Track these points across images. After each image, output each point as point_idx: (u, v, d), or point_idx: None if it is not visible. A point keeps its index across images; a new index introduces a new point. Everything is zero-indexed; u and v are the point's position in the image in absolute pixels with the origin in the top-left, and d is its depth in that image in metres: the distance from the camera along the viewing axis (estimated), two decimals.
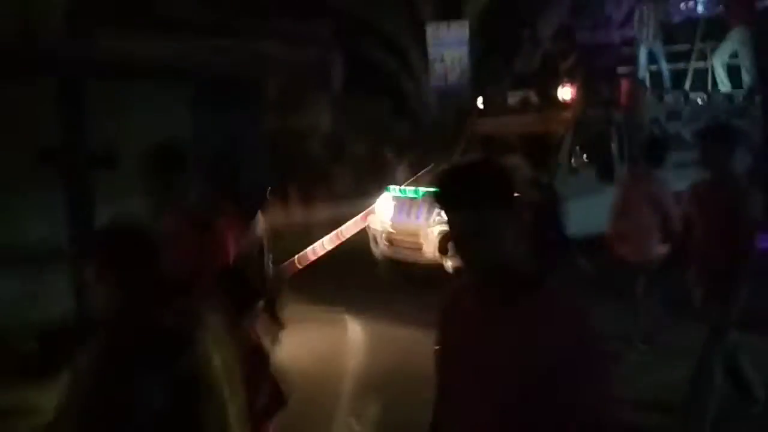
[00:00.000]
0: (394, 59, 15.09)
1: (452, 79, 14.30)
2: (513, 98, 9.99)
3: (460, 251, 1.88)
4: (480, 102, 10.29)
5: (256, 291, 3.81)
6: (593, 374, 1.79)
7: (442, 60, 14.67)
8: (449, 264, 8.01)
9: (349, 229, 9.02)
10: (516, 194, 1.86)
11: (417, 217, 8.66)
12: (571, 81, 9.20)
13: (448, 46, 14.58)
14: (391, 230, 8.96)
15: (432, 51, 14.37)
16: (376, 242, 9.18)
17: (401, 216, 8.87)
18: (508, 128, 9.69)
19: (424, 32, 14.13)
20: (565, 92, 9.12)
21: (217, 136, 5.22)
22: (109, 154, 4.65)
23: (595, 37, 11.69)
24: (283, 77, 14.15)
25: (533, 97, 9.67)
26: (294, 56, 14.43)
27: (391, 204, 9.09)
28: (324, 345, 6.97)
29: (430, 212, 8.49)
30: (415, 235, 8.62)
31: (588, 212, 8.34)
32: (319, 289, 8.34)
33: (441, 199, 1.91)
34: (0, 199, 4.24)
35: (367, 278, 9.19)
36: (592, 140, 9.22)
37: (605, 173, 9.01)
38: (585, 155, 8.95)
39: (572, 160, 8.85)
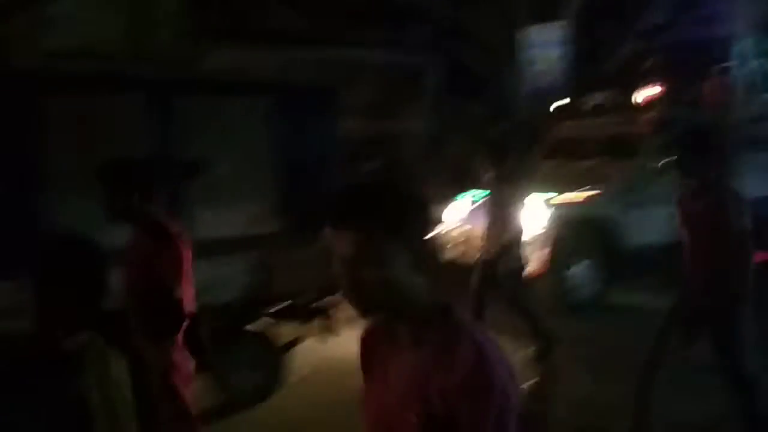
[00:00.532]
0: (490, 62, 15.23)
1: (548, 80, 14.32)
2: (596, 100, 9.92)
3: (343, 282, 1.73)
4: (562, 104, 10.34)
5: (179, 316, 3.67)
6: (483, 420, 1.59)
7: (538, 62, 14.70)
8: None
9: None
10: (414, 220, 1.69)
11: (492, 222, 8.69)
12: (655, 80, 9.10)
13: (545, 48, 14.57)
14: (460, 234, 8.99)
15: (528, 53, 14.43)
16: (447, 246, 9.15)
17: (469, 220, 8.90)
18: (589, 131, 9.60)
19: (520, 34, 14.22)
20: (647, 92, 9.06)
21: (295, 145, 5.62)
22: (196, 163, 5.13)
23: (682, 34, 11.46)
24: (379, 83, 14.62)
25: (616, 98, 9.60)
26: (390, 61, 14.88)
27: (461, 208, 9.22)
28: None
29: (505, 218, 8.54)
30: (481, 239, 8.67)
31: (673, 219, 8.44)
32: None
33: (327, 220, 1.73)
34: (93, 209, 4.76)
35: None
36: (678, 142, 9.04)
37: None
38: (669, 158, 8.73)
39: (657, 163, 8.69)
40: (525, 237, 7.79)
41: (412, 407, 1.65)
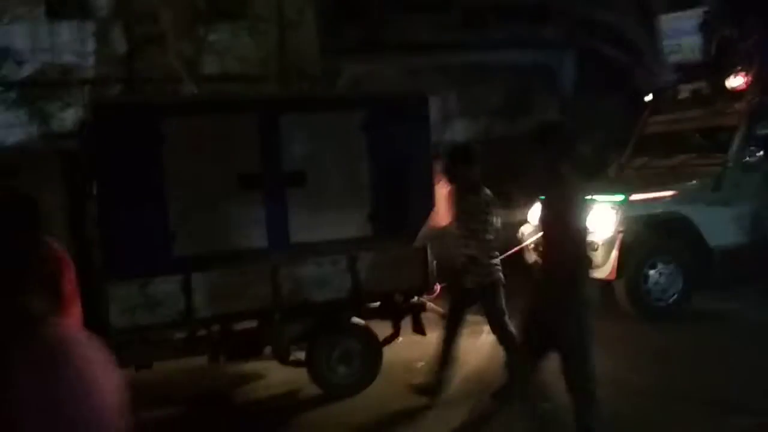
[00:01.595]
0: (627, 54, 14.92)
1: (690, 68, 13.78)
2: (685, 92, 9.09)
3: None
4: (651, 97, 9.58)
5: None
6: None
7: (678, 50, 14.19)
8: (595, 274, 7.25)
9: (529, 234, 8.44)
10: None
11: None
12: (746, 68, 8.22)
13: (684, 35, 14.05)
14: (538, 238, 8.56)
15: (666, 42, 14.00)
16: (528, 249, 8.59)
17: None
18: (678, 125, 8.93)
19: (657, 23, 13.85)
20: (737, 81, 8.24)
21: (389, 153, 6.04)
22: (300, 173, 5.74)
23: None
24: (512, 82, 14.80)
25: (705, 89, 8.76)
26: (522, 60, 15.01)
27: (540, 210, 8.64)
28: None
29: None
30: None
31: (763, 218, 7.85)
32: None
33: None
34: (210, 217, 5.48)
35: (515, 286, 8.85)
36: None
37: None
38: (762, 151, 7.99)
39: (746, 157, 7.98)
40: (595, 239, 7.46)
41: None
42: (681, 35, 14.03)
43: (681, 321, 7.51)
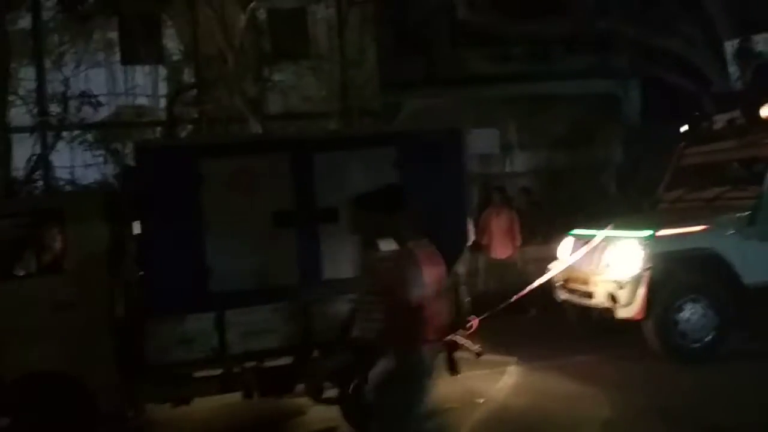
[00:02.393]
0: (693, 81, 14.56)
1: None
2: (721, 122, 8.62)
3: None
4: (686, 128, 9.14)
5: None
6: None
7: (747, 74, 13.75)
8: (621, 313, 7.38)
9: (557, 267, 8.32)
10: None
11: (590, 262, 7.87)
12: None
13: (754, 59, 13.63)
14: (567, 273, 8.22)
15: (733, 68, 13.62)
16: (557, 285, 8.46)
17: (575, 259, 8.06)
18: (714, 156, 8.55)
19: (722, 50, 13.52)
20: None
21: (425, 188, 6.07)
22: (332, 210, 5.86)
23: None
24: (575, 112, 14.65)
25: (740, 119, 8.26)
26: (586, 90, 14.86)
27: (571, 245, 8.39)
28: (478, 393, 6.70)
29: (601, 257, 7.75)
30: (586, 281, 7.87)
31: None
32: (497, 331, 7.37)
33: None
34: (245, 254, 5.66)
35: (547, 324, 8.78)
36: None
37: None
38: None
39: None
40: (621, 276, 7.37)
41: None
42: (751, 59, 13.65)
43: (714, 363, 7.18)
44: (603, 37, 14.30)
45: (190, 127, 14.70)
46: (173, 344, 5.33)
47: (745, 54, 12.25)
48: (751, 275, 7.41)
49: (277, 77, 14.56)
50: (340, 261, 5.83)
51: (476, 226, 11.27)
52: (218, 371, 5.70)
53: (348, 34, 15.11)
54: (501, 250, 10.91)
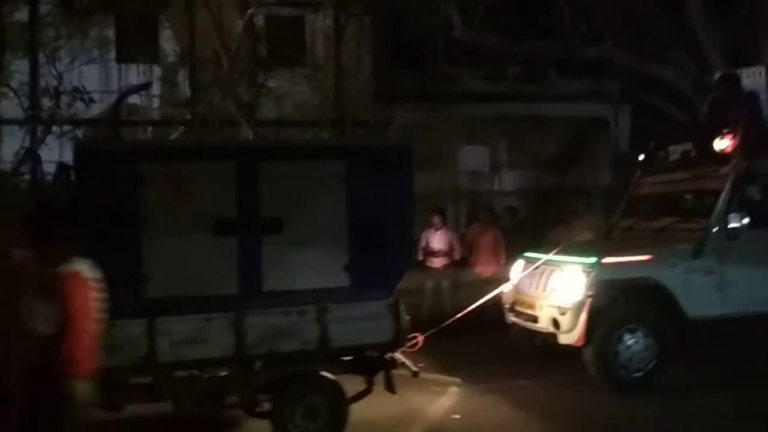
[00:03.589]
0: (683, 110, 14.51)
1: None
2: (676, 153, 8.59)
3: None
4: (643, 157, 9.11)
5: None
6: None
7: None
8: (563, 339, 7.36)
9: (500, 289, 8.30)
10: None
11: (536, 286, 7.91)
12: (732, 130, 7.68)
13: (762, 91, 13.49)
14: (515, 296, 8.26)
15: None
16: (506, 308, 8.46)
17: (525, 282, 8.11)
18: (667, 187, 8.55)
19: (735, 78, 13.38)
20: (723, 143, 7.69)
21: (370, 204, 6.05)
22: (275, 221, 5.84)
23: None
24: (565, 134, 14.66)
25: (694, 151, 8.29)
26: (577, 113, 14.88)
27: (520, 268, 8.37)
28: (412, 412, 6.66)
29: (547, 281, 7.74)
30: (532, 305, 7.89)
31: (754, 285, 7.36)
32: (444, 352, 7.83)
33: None
34: (184, 260, 5.64)
35: (496, 346, 8.69)
36: (763, 197, 7.80)
37: None
38: (748, 217, 7.46)
39: (731, 224, 7.47)
40: (564, 302, 7.36)
41: None
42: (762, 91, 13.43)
43: (650, 394, 7.12)
44: (596, 62, 14.33)
45: (181, 128, 14.77)
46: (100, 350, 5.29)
47: (701, 88, 12.23)
48: (693, 308, 7.37)
49: (271, 83, 14.61)
50: (283, 272, 5.81)
51: (463, 242, 11.35)
52: (148, 379, 5.68)
53: (344, 45, 15.17)
54: (486, 267, 10.93)
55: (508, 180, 15.04)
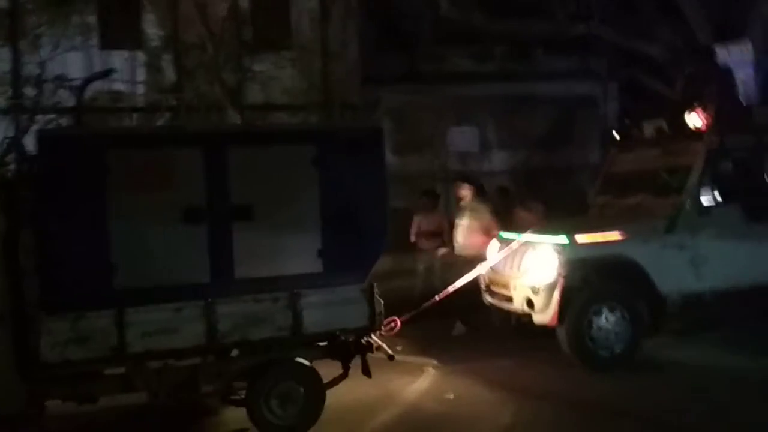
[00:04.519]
0: (671, 86, 14.39)
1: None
2: (649, 129, 8.66)
3: None
4: (616, 135, 9.17)
5: None
6: None
7: None
8: (537, 318, 7.42)
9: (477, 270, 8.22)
10: None
11: (510, 266, 7.93)
12: (704, 105, 7.73)
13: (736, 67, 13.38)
14: (490, 277, 8.30)
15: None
16: (483, 289, 8.51)
17: (499, 263, 8.12)
18: (641, 164, 8.55)
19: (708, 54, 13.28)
20: (695, 118, 7.77)
21: (342, 188, 5.98)
22: (246, 207, 5.76)
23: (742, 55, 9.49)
24: (554, 113, 14.56)
25: (667, 127, 8.33)
26: (565, 92, 14.76)
27: (496, 248, 8.38)
28: (389, 395, 6.73)
29: (521, 261, 7.77)
30: (506, 285, 7.92)
31: (726, 260, 7.39)
32: (420, 333, 7.95)
33: None
34: (153, 249, 5.57)
35: (474, 327, 8.86)
36: (735, 173, 7.89)
37: (755, 212, 7.70)
38: (720, 192, 7.58)
39: (702, 198, 7.56)
40: (537, 282, 7.38)
41: None
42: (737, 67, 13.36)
43: (627, 371, 7.18)
44: (583, 40, 14.18)
45: (168, 114, 14.62)
46: (68, 342, 5.24)
47: (679, 63, 12.19)
48: (666, 284, 7.39)
49: (257, 67, 14.45)
50: (255, 259, 5.75)
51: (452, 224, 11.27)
52: (121, 370, 5.63)
53: (331, 27, 15.00)
54: (473, 249, 10.84)
55: (498, 160, 14.94)
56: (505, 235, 8.45)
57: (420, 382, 7.33)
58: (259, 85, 14.56)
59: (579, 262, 7.32)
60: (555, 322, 7.30)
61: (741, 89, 13.05)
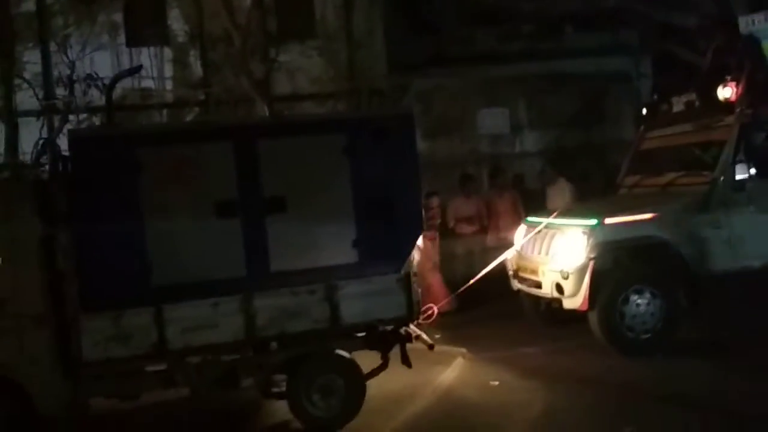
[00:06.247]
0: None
1: None
2: (679, 104, 8.32)
3: None
4: (645, 111, 8.87)
5: None
6: None
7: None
8: (567, 303, 7.23)
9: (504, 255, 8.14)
10: None
11: (538, 251, 7.74)
12: (736, 77, 7.39)
13: (764, 37, 12.98)
14: (518, 262, 8.11)
15: None
16: (510, 275, 8.34)
17: (527, 248, 7.96)
18: (671, 140, 8.26)
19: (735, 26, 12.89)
20: (726, 91, 7.42)
21: (374, 176, 5.91)
22: (279, 199, 5.72)
23: None
24: (586, 90, 14.29)
25: (697, 101, 8.01)
26: (597, 68, 14.48)
27: (523, 234, 8.21)
28: (429, 383, 6.67)
29: (549, 246, 7.57)
30: (535, 270, 7.71)
31: (764, 237, 7.12)
32: (450, 321, 7.91)
33: None
34: (188, 245, 5.54)
35: (505, 314, 8.66)
36: None
37: None
38: (755, 166, 7.24)
39: (737, 175, 7.26)
40: (566, 266, 7.19)
41: None
42: (764, 37, 12.97)
43: (664, 355, 6.99)
44: (613, 13, 13.87)
45: (196, 109, 14.66)
46: (109, 340, 5.27)
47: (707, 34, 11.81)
48: (701, 264, 7.18)
49: (283, 58, 14.40)
50: (290, 251, 5.71)
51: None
52: (162, 366, 5.64)
53: (355, 14, 14.88)
54: (504, 232, 10.74)
55: (530, 141, 14.72)
56: (532, 219, 8.27)
57: (456, 371, 7.29)
58: (285, 76, 14.52)
59: (609, 244, 7.12)
60: (586, 306, 7.10)
61: None
